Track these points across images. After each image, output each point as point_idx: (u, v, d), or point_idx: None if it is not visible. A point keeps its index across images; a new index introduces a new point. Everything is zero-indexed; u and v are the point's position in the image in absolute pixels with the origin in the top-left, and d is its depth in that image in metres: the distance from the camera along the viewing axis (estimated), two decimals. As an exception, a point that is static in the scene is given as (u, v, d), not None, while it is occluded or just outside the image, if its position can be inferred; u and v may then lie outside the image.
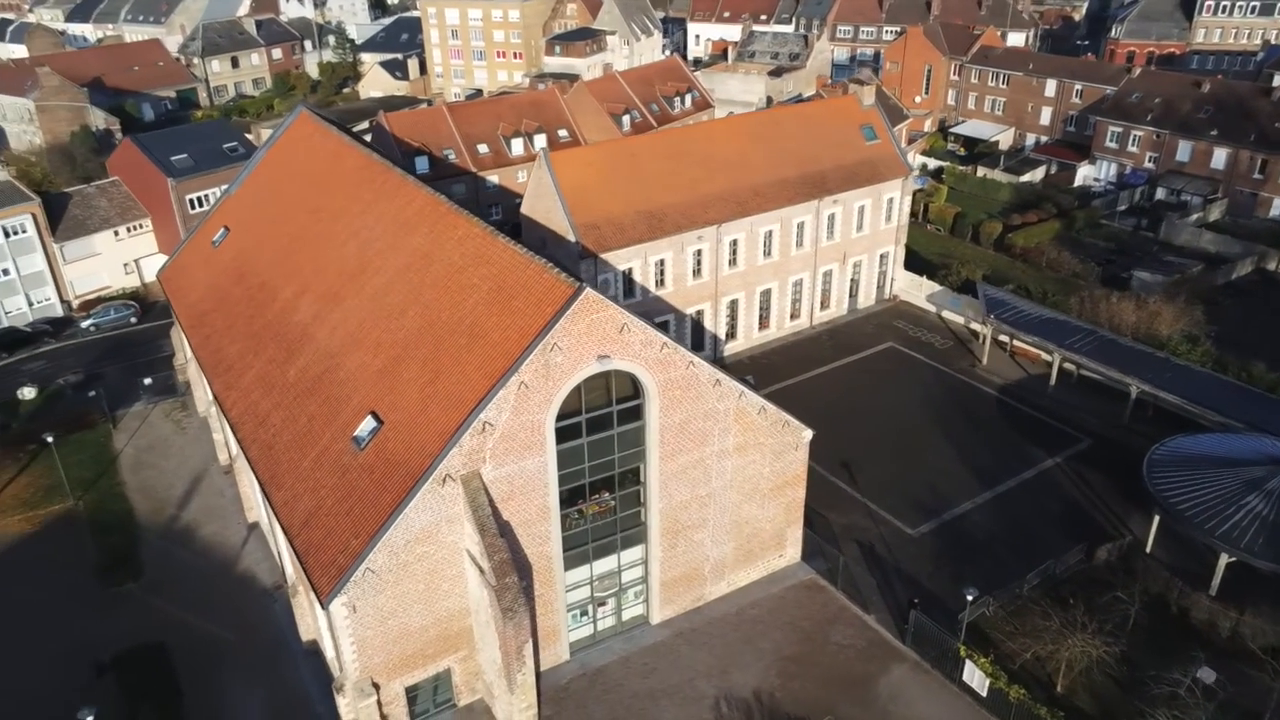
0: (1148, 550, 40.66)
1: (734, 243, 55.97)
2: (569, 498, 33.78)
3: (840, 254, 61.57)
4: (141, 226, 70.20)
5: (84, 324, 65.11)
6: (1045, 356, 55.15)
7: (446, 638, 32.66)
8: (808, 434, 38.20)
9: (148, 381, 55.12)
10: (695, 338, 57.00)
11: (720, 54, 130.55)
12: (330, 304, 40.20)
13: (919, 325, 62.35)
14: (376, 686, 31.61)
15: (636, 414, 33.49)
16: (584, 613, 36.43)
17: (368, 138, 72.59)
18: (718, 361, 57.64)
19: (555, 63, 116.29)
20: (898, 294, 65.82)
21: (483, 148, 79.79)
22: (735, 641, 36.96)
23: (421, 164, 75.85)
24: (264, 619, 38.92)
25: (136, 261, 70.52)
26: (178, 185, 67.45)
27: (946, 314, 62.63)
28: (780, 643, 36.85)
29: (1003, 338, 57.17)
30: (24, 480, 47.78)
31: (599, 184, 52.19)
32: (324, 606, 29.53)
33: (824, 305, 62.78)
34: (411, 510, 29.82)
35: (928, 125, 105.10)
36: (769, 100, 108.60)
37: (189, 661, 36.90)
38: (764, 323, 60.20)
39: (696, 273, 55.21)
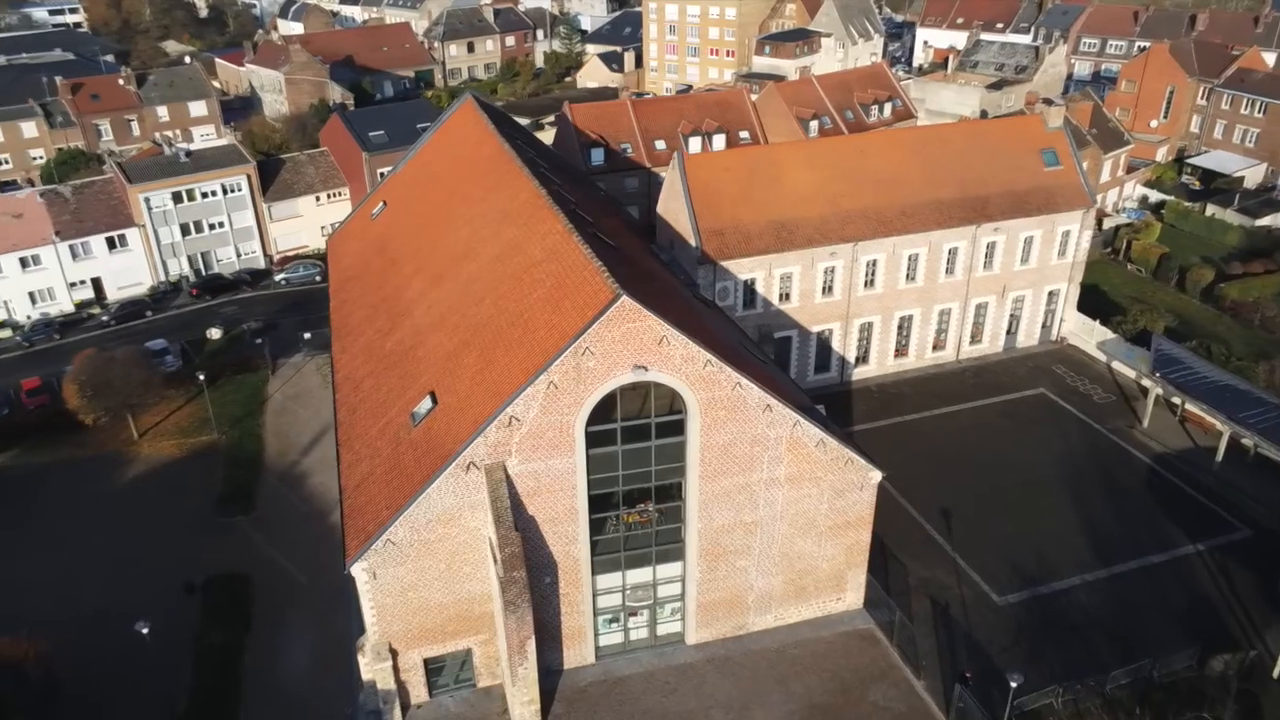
0: (1275, 675, 34.60)
1: (872, 263, 53.04)
2: (601, 503, 33.60)
3: (999, 286, 56.70)
4: (340, 194, 76.89)
5: (277, 277, 72.39)
6: (1219, 427, 48.12)
7: (467, 619, 33.53)
8: (875, 475, 35.65)
9: (307, 336, 60.40)
10: (820, 358, 54.69)
11: (941, 62, 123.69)
12: (433, 284, 42.21)
13: (1081, 374, 56.30)
14: (394, 653, 33.06)
15: (677, 429, 32.67)
16: (615, 620, 36.16)
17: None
18: (844, 386, 55.19)
19: (763, 63, 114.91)
20: (1065, 336, 59.74)
21: (660, 144, 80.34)
22: (767, 678, 35.30)
23: (597, 155, 77.66)
24: (335, 570, 41.65)
25: (332, 225, 77.36)
26: (370, 159, 73.19)
27: (1117, 365, 56.10)
28: (813, 689, 34.77)
29: (1175, 400, 50.45)
30: (187, 410, 53.96)
31: (733, 190, 51.16)
32: (345, 568, 31.26)
33: (974, 339, 58.15)
34: (434, 491, 30.81)
35: (1161, 154, 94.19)
36: (983, 114, 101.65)
37: (265, 596, 40.32)
38: (901, 351, 56.68)
39: (827, 290, 52.86)
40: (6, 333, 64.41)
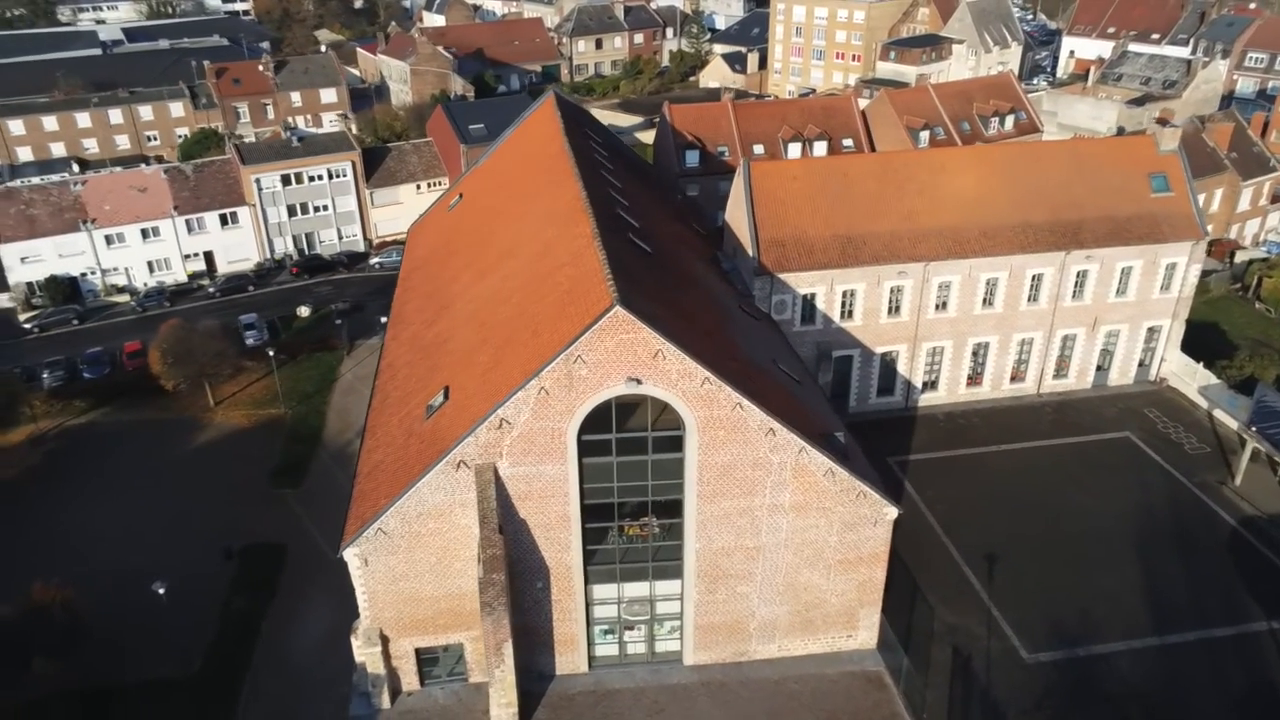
0: (1331, 777, 30.73)
1: (945, 285, 50.23)
2: (599, 512, 33.16)
3: (1090, 318, 52.65)
4: (439, 184, 79.11)
5: (372, 261, 75.26)
6: (1323, 493, 43.19)
7: (459, 614, 33.78)
8: (891, 511, 33.71)
9: (384, 320, 62.30)
10: (884, 381, 52.27)
11: (1082, 74, 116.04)
12: (477, 279, 42.77)
13: (1176, 419, 51.60)
14: (386, 639, 33.71)
15: (675, 446, 31.85)
16: (611, 632, 35.68)
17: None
18: (908, 411, 52.62)
19: (886, 68, 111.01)
20: (1165, 378, 54.92)
21: (758, 148, 78.71)
22: (759, 711, 34.03)
23: (691, 157, 76.85)
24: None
25: (431, 214, 79.81)
26: (468, 150, 74.96)
27: (1218, 414, 51.13)
28: (806, 729, 33.34)
29: (1277, 458, 45.50)
30: (263, 384, 56.77)
31: (800, 200, 49.51)
32: (338, 553, 32.07)
33: (1060, 373, 54.21)
34: (425, 486, 31.19)
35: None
36: (1120, 131, 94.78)
37: (295, 567, 41.93)
38: (975, 379, 53.49)
39: (894, 310, 50.41)
40: (125, 298, 69.62)
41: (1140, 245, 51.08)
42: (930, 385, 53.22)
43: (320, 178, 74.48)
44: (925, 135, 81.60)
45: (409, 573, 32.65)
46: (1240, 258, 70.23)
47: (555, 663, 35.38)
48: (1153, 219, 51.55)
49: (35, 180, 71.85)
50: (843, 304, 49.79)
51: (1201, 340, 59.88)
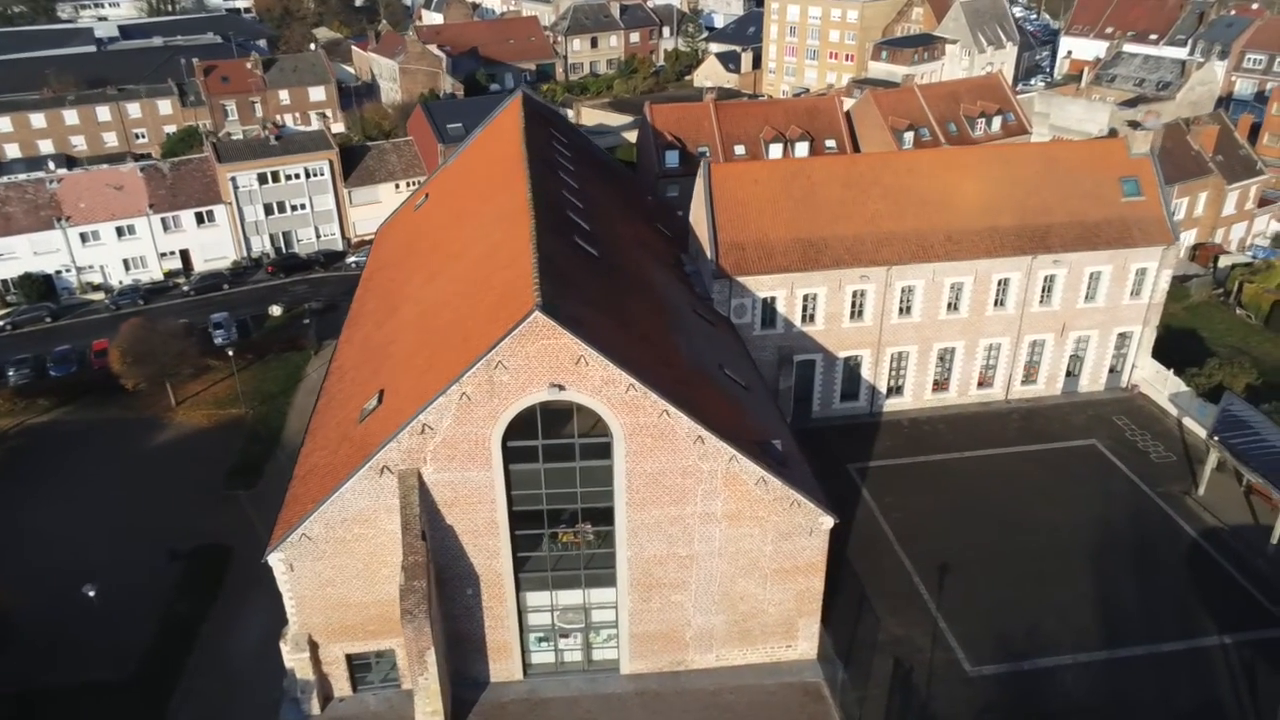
0: (1267, 798, 30.01)
1: (908, 290, 49.56)
2: (532, 519, 32.73)
3: (1058, 324, 51.88)
4: (418, 184, 78.70)
5: (349, 260, 75.05)
6: (1284, 505, 42.34)
7: (388, 620, 33.30)
8: (827, 521, 33.14)
9: (352, 320, 62.20)
10: (848, 385, 51.63)
11: (1076, 74, 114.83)
12: (427, 281, 42.43)
13: (1145, 428, 50.77)
14: (315, 645, 33.38)
15: (603, 453, 31.38)
16: (545, 639, 35.26)
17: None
18: (873, 417, 51.98)
19: (879, 68, 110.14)
20: (1137, 385, 54.07)
21: (739, 149, 78.23)
22: (693, 722, 33.60)
23: (672, 158, 76.45)
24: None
25: (410, 213, 79.57)
26: (445, 150, 74.62)
27: (1188, 422, 50.28)
28: (737, 741, 32.84)
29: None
30: (227, 383, 56.61)
31: (761, 203, 48.91)
32: (263, 557, 31.77)
33: (1028, 379, 53.42)
34: (348, 492, 30.83)
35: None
36: (1112, 133, 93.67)
37: (241, 569, 41.64)
38: (942, 385, 52.79)
39: (856, 315, 49.77)
40: (100, 296, 69.67)
41: (1110, 250, 50.27)
42: (895, 391, 52.54)
43: (297, 176, 74.36)
44: (910, 136, 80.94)
45: (336, 578, 32.29)
46: (1224, 263, 69.20)
47: (489, 670, 34.97)
48: (1123, 223, 50.74)
49: (11, 178, 71.87)
50: (804, 308, 49.17)
51: (1180, 347, 59.08)
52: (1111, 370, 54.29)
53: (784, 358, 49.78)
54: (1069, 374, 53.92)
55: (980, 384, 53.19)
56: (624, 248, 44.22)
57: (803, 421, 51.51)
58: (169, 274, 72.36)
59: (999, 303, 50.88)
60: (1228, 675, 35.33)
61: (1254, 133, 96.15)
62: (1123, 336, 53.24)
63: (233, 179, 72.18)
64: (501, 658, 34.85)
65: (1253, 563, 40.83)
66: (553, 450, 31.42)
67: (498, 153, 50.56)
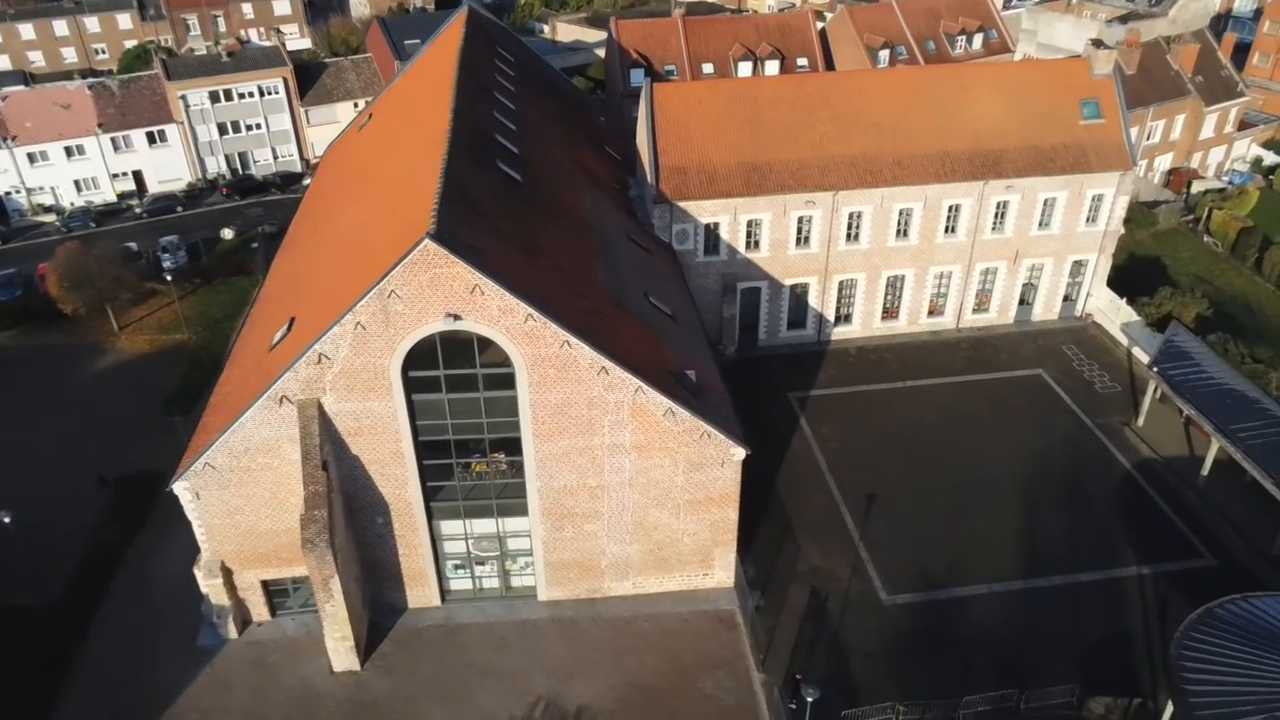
0: (1158, 728, 30.36)
1: (856, 216, 48.42)
2: (437, 449, 32.49)
3: (1011, 252, 50.84)
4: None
5: (306, 182, 73.51)
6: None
7: (299, 548, 33.42)
8: (738, 452, 32.87)
9: (303, 244, 61.22)
10: (795, 314, 50.91)
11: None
12: (349, 206, 41.49)
13: (1094, 358, 50.19)
14: (229, 571, 33.56)
15: (507, 383, 30.92)
16: (462, 567, 35.43)
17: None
18: (820, 346, 51.40)
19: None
20: (1091, 314, 53.28)
21: (708, 68, 75.81)
22: (605, 649, 33.91)
23: (637, 77, 74.11)
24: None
25: (371, 134, 77.66)
26: (403, 67, 72.35)
27: (1138, 353, 49.66)
28: (647, 667, 33.15)
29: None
30: (173, 308, 55.91)
31: (706, 125, 47.42)
32: (168, 485, 31.70)
33: (980, 308, 52.64)
34: (249, 421, 30.55)
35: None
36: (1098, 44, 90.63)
37: (169, 496, 41.33)
38: (891, 313, 52.03)
39: (802, 242, 48.74)
40: (52, 218, 68.55)
41: (1064, 175, 48.90)
42: (844, 319, 51.84)
43: (251, 95, 72.34)
44: (885, 55, 78.42)
45: (244, 507, 32.26)
46: (1198, 188, 67.57)
47: (406, 596, 35.25)
48: (1080, 148, 49.22)
49: (-47, 95, 70.00)
50: (748, 234, 48.11)
51: (1141, 275, 58.22)
52: (1067, 299, 53.45)
53: (728, 285, 48.96)
54: (1023, 302, 53.14)
55: (931, 312, 52.44)
56: (557, 172, 43.02)
57: (748, 350, 51.03)
58: (122, 195, 71.05)
59: (950, 230, 49.78)
60: (1140, 606, 35.52)
61: (1243, 53, 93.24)
62: (1079, 265, 52.25)
63: (183, 97, 70.26)
64: (418, 584, 35.07)
65: (1182, 494, 40.72)
66: (455, 381, 30.98)
67: (431, 73, 48.93)
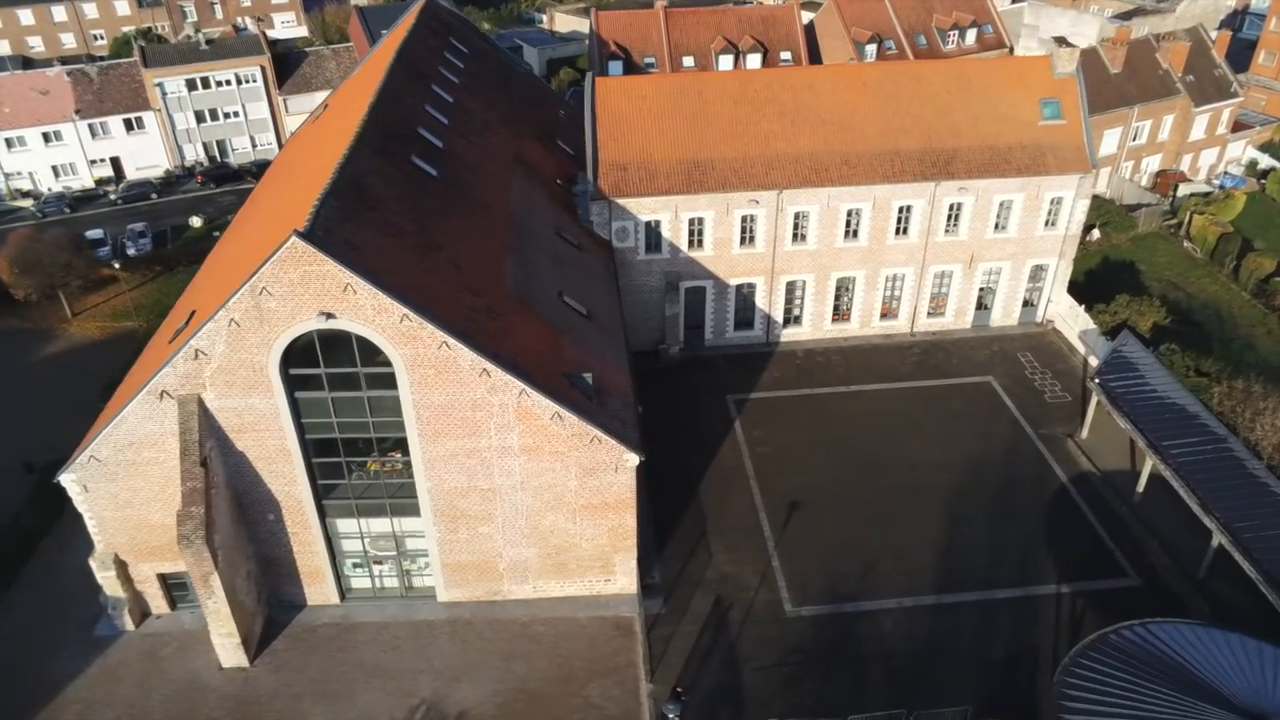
0: (1047, 753, 29.28)
1: (802, 215, 47.36)
2: (328, 447, 32.16)
3: (966, 255, 49.50)
4: (358, 92, 76.65)
5: (282, 171, 73.70)
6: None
7: (193, 542, 33.44)
8: (632, 458, 32.17)
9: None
10: (743, 314, 50.00)
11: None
12: (273, 199, 41.27)
13: (1048, 366, 48.74)
14: (123, 564, 33.56)
15: (389, 383, 30.48)
16: (361, 565, 35.15)
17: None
18: (769, 347, 50.46)
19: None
20: (1052, 320, 51.77)
21: (688, 60, 75.08)
22: (496, 652, 33.47)
23: (615, 69, 73.54)
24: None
25: (351, 123, 77.61)
26: (367, 57, 72.16)
27: (1094, 361, 48.13)
28: (535, 673, 32.67)
29: (1131, 411, 42.77)
30: (130, 295, 56.30)
31: (649, 121, 46.60)
32: (55, 477, 31.72)
33: (936, 311, 51.34)
34: (130, 416, 30.44)
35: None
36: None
37: (96, 485, 41.89)
38: (843, 315, 50.92)
39: (747, 241, 47.79)
40: (28, 203, 69.32)
41: (1021, 177, 47.45)
42: (794, 320, 50.81)
43: (229, 83, 72.58)
44: (873, 49, 76.91)
45: (133, 500, 32.17)
46: (1184, 191, 65.44)
47: (305, 593, 35.06)
48: (1038, 149, 47.70)
49: (-67, 80, 70.99)
50: (691, 233, 47.26)
51: (1112, 280, 56.60)
52: (1028, 304, 51.99)
53: (670, 283, 48.17)
54: (982, 307, 51.76)
55: (884, 315, 51.24)
56: (488, 167, 42.44)
57: (695, 349, 50.27)
58: (100, 181, 71.70)
59: (901, 231, 48.54)
60: (1053, 625, 34.39)
61: (1245, 51, 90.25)
62: (1039, 269, 50.76)
63: (160, 84, 70.64)
64: (315, 582, 34.84)
65: (1115, 511, 39.41)
66: (337, 379, 30.61)
67: (374, 65, 48.62)
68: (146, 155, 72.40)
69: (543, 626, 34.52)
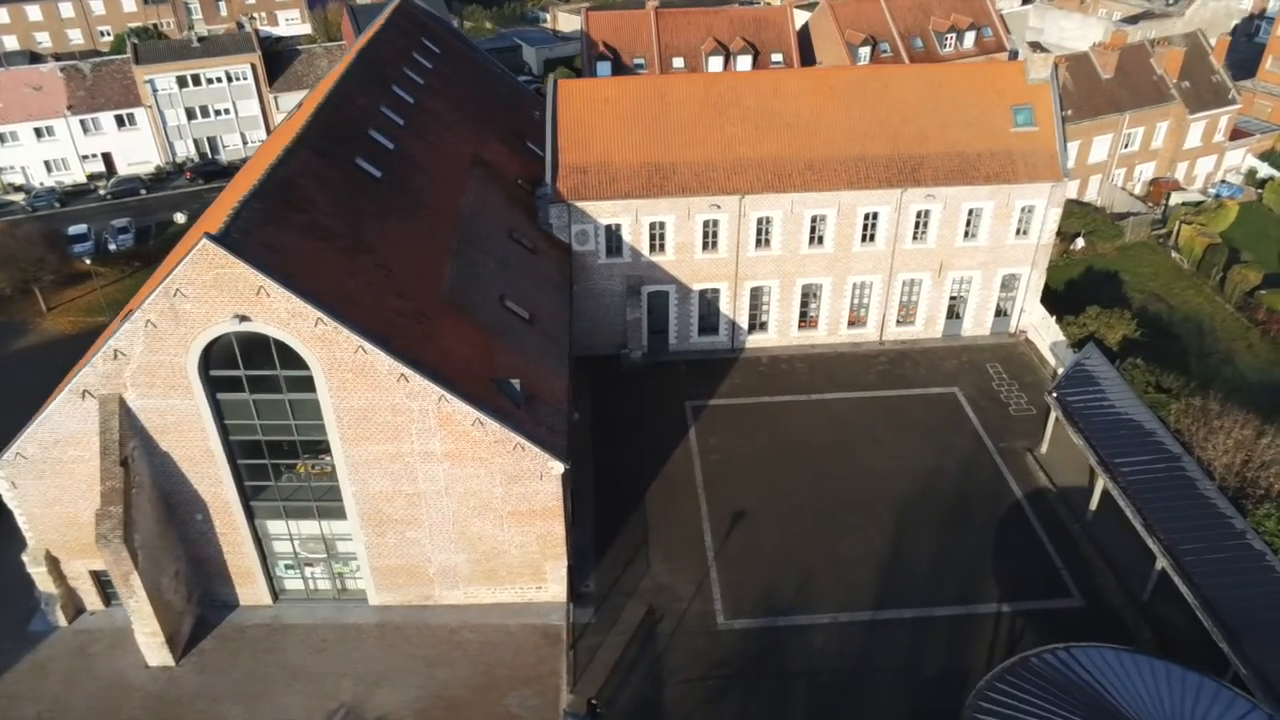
0: (962, 779, 28.57)
1: (765, 221, 46.77)
2: (254, 449, 32.16)
3: (935, 263, 48.65)
4: (349, 90, 76.92)
5: (271, 168, 74.08)
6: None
7: (123, 541, 33.57)
8: (557, 466, 31.85)
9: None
10: (707, 319, 49.48)
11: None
12: (229, 197, 41.31)
13: (1016, 377, 47.81)
14: (55, 560, 33.76)
15: (308, 386, 30.38)
16: (292, 566, 35.13)
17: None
18: (733, 353, 49.93)
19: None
20: (1025, 331, 50.78)
21: (678, 62, 74.43)
22: (422, 658, 33.31)
23: (604, 69, 73.18)
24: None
25: (342, 121, 77.95)
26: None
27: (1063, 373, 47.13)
28: (457, 680, 32.46)
29: (1093, 426, 41.77)
30: (108, 290, 56.76)
31: (610, 123, 46.21)
32: (-16, 474, 31.98)
33: (906, 320, 50.53)
34: (54, 414, 30.62)
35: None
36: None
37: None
38: (810, 322, 50.25)
39: (710, 246, 47.27)
40: (19, 197, 70.26)
41: (990, 184, 46.55)
42: (759, 327, 50.21)
43: (219, 80, 73.11)
44: (866, 52, 75.98)
45: (61, 497, 32.33)
46: (1176, 200, 64.00)
47: (237, 594, 35.11)
48: (1008, 156, 46.78)
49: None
50: (652, 237, 46.82)
51: (1094, 290, 55.44)
52: (1002, 314, 51.04)
53: (631, 288, 47.77)
54: (955, 316, 50.88)
55: (852, 323, 50.51)
56: (441, 169, 42.28)
57: (659, 354, 49.86)
58: (91, 177, 72.51)
59: (868, 238, 47.80)
60: (989, 645, 33.64)
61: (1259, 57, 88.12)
62: (1011, 278, 49.79)
63: (150, 81, 71.29)
64: (247, 582, 34.88)
65: (1067, 528, 38.53)
66: (258, 382, 30.57)
67: (341, 64, 48.59)
68: (137, 151, 73.13)
69: (471, 633, 34.31)
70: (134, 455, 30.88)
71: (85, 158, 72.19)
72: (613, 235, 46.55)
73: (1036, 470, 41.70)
